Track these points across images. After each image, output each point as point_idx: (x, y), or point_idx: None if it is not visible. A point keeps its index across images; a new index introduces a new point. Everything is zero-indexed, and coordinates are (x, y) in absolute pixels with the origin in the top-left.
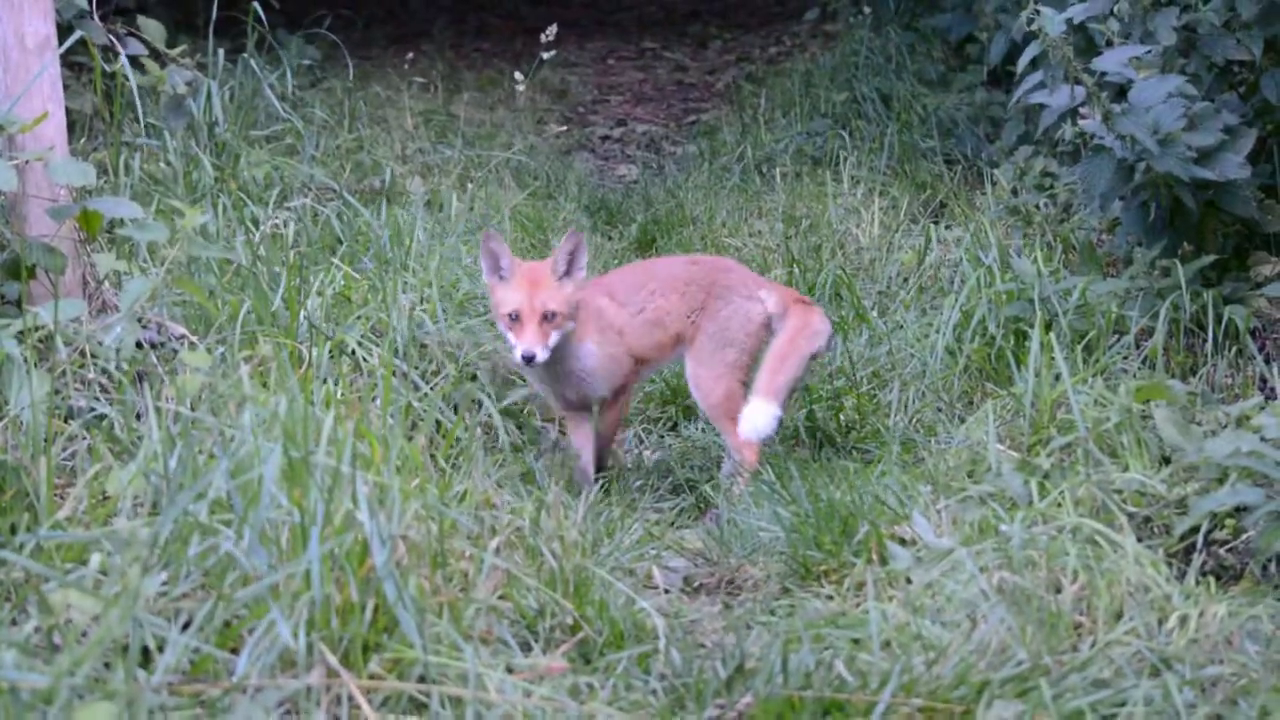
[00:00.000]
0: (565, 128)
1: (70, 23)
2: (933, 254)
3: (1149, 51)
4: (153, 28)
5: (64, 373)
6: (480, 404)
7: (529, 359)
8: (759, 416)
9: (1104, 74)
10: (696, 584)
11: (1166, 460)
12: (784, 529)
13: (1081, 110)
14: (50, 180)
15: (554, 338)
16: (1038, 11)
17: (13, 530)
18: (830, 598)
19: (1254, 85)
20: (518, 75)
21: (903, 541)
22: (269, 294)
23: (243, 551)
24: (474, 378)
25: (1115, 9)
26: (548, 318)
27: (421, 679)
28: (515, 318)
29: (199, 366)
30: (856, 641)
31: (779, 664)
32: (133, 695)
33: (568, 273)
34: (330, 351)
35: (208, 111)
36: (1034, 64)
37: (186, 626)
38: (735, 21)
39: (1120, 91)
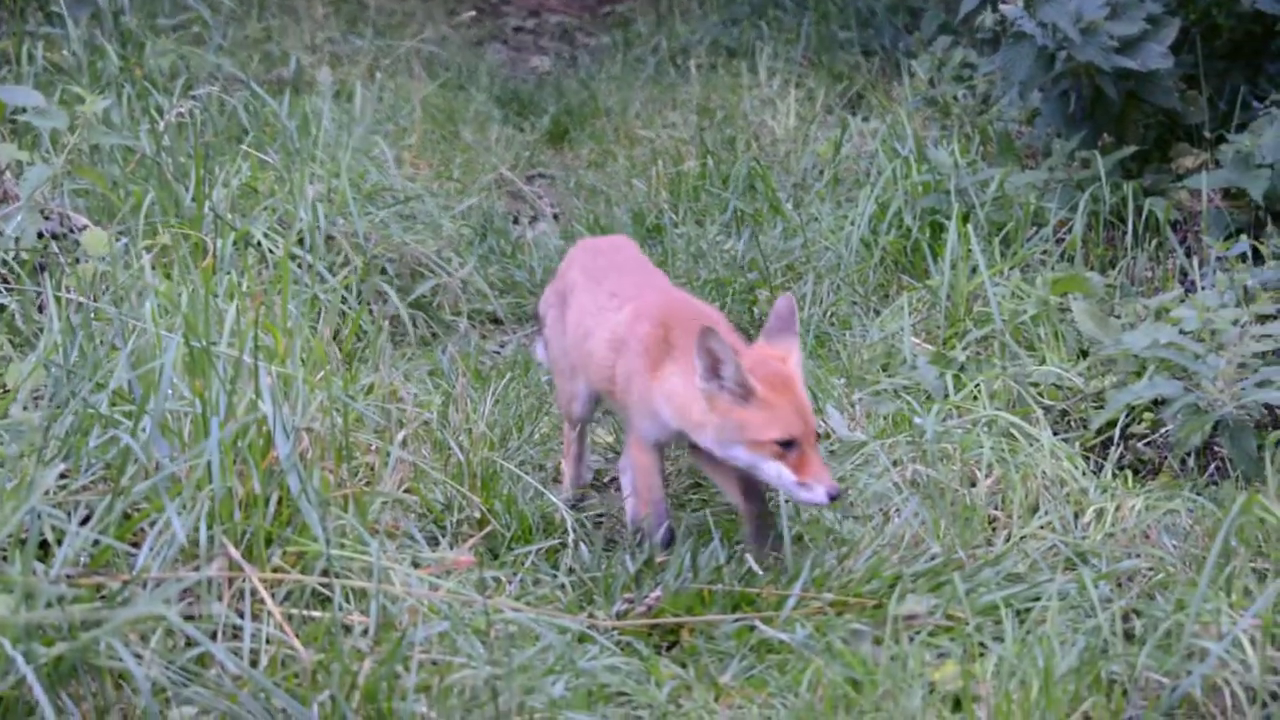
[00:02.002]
0: (474, 13)
1: None
2: (849, 146)
3: None
4: None
5: None
6: (387, 297)
7: (836, 497)
8: None
9: None
10: (607, 478)
11: (1084, 353)
12: None
13: None
14: None
15: None
16: None
17: None
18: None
19: None
20: None
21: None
22: (173, 184)
23: (143, 443)
24: (382, 270)
25: None
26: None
27: (325, 573)
28: (790, 445)
29: (100, 254)
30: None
31: (689, 558)
32: (31, 587)
33: None
34: (235, 243)
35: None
36: None
37: (86, 520)
38: None
39: None
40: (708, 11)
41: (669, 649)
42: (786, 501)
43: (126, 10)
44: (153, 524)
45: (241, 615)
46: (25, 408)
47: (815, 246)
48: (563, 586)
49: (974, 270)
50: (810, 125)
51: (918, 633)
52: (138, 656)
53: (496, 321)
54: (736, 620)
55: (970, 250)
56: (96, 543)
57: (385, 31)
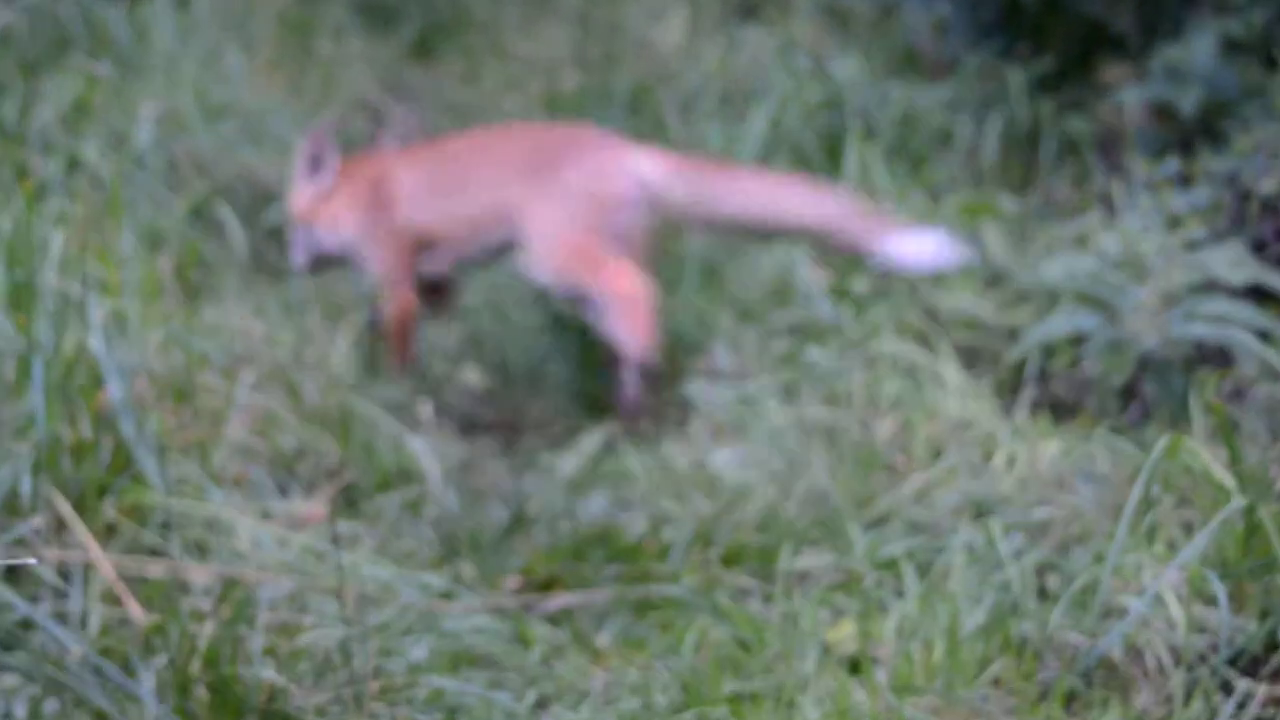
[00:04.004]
0: None
1: None
2: (740, 60)
3: None
4: None
5: None
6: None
7: None
8: None
9: None
10: (473, 423)
11: (996, 283)
12: (569, 362)
13: None
14: None
15: None
16: None
17: None
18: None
19: None
20: None
21: (702, 373)
22: None
23: None
24: (230, 195)
25: None
26: None
27: (164, 525)
28: None
29: None
30: (651, 484)
31: (562, 508)
32: None
33: None
34: (64, 165)
35: None
36: None
37: None
38: None
39: None
40: None
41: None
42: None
43: None
44: None
45: (69, 576)
46: None
47: None
48: (428, 541)
49: (877, 194)
50: (698, 37)
51: (812, 589)
52: None
53: None
54: (616, 578)
55: (872, 172)
56: None
57: None
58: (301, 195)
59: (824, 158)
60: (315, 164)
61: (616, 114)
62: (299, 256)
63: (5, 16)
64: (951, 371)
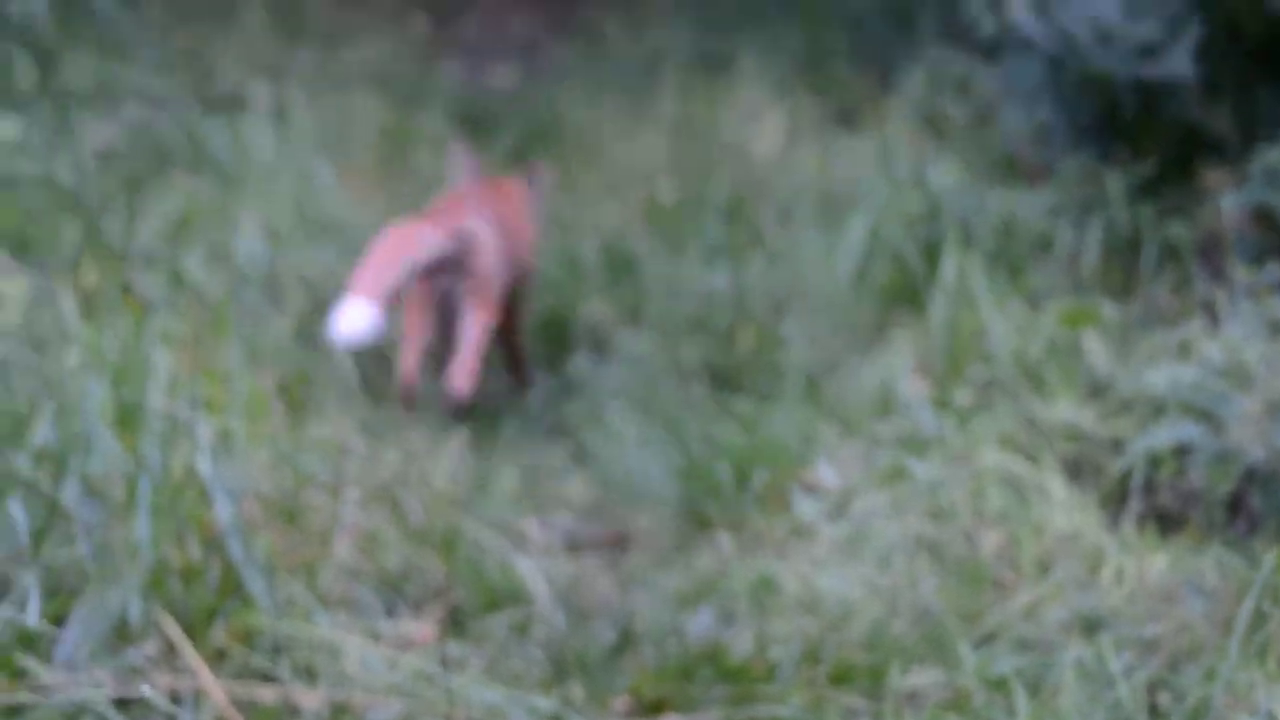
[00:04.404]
0: (429, 25)
1: None
2: (838, 167)
3: None
4: None
5: None
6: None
7: None
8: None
9: None
10: (579, 541)
11: (1099, 393)
12: (675, 476)
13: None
14: None
15: None
16: None
17: None
18: (728, 553)
19: None
20: None
21: (807, 488)
22: (96, 215)
23: (69, 507)
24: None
25: None
26: None
27: (274, 648)
28: None
29: (16, 297)
30: (757, 601)
31: (669, 625)
32: None
33: None
34: (168, 282)
35: (24, 9)
36: None
37: (4, 596)
38: None
39: None
40: (684, 18)
41: None
42: None
43: (40, 18)
44: (80, 599)
45: (180, 700)
46: None
47: (801, 279)
48: (535, 661)
49: (975, 303)
50: (795, 144)
51: (921, 708)
52: None
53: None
54: (724, 699)
55: (971, 281)
56: (11, 621)
57: (329, 44)
58: None
59: (923, 265)
60: None
61: (714, 222)
62: None
63: (107, 133)
64: (1056, 484)
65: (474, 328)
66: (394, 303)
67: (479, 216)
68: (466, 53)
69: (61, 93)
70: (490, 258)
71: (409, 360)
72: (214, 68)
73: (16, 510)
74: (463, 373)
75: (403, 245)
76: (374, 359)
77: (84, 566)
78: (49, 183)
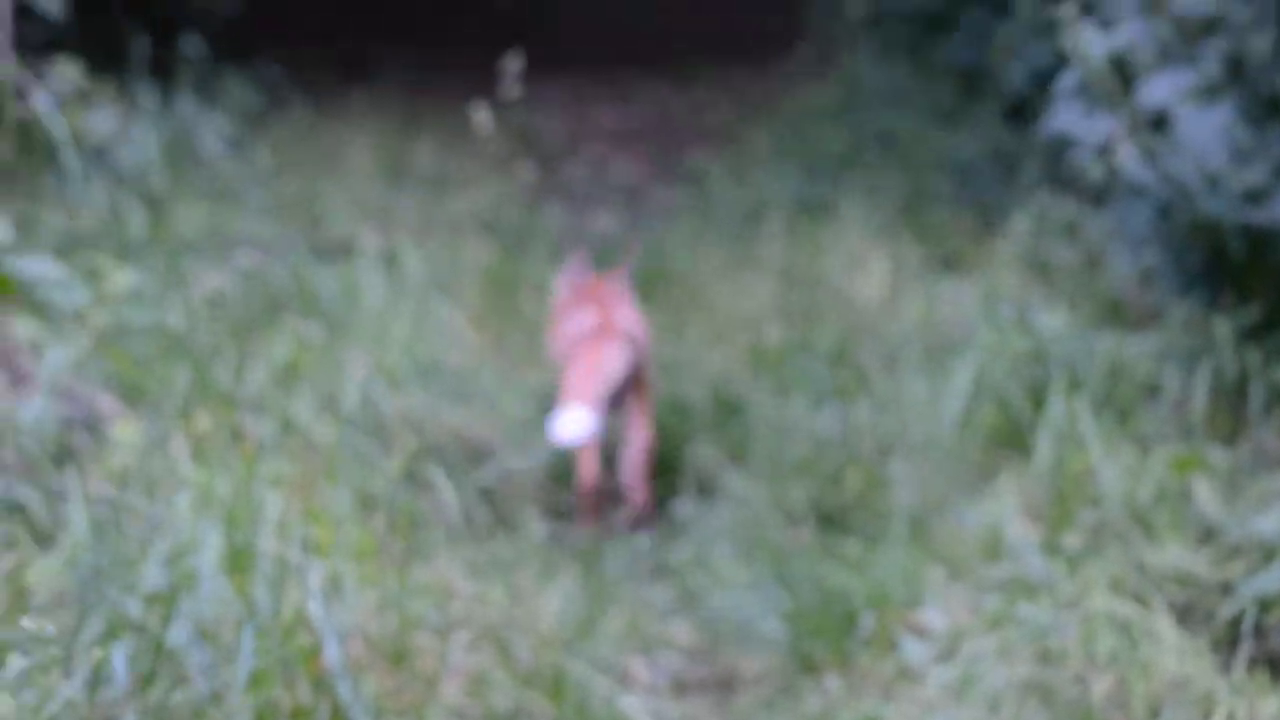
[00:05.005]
0: (534, 176)
1: None
2: (942, 311)
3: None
4: (71, 68)
5: None
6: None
7: None
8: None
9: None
10: (686, 682)
11: (1208, 538)
12: (782, 618)
13: (1112, 146)
14: None
15: None
16: (1078, 34)
17: None
18: (835, 695)
19: None
20: (481, 117)
21: (914, 631)
22: (207, 361)
23: (179, 649)
24: (438, 454)
25: (1158, 33)
26: None
27: None
28: None
29: (129, 442)
30: None
31: None
32: None
33: None
34: (278, 426)
35: (136, 159)
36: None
37: None
38: (724, 54)
39: (1154, 124)
40: (787, 163)
41: None
42: None
43: (153, 169)
44: None
45: None
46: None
47: (907, 422)
48: None
49: (1083, 447)
50: (900, 288)
51: None
52: None
53: (565, 511)
54: None
55: (1079, 425)
56: None
57: (435, 191)
58: None
59: (1028, 409)
60: None
61: (819, 365)
62: None
63: (217, 280)
64: (1166, 628)
65: (642, 431)
66: (606, 408)
67: (634, 323)
68: (570, 197)
69: (173, 240)
70: (651, 364)
71: (589, 466)
72: (322, 213)
73: (123, 653)
74: (640, 483)
75: (605, 355)
76: (480, 497)
77: (193, 708)
78: (160, 329)
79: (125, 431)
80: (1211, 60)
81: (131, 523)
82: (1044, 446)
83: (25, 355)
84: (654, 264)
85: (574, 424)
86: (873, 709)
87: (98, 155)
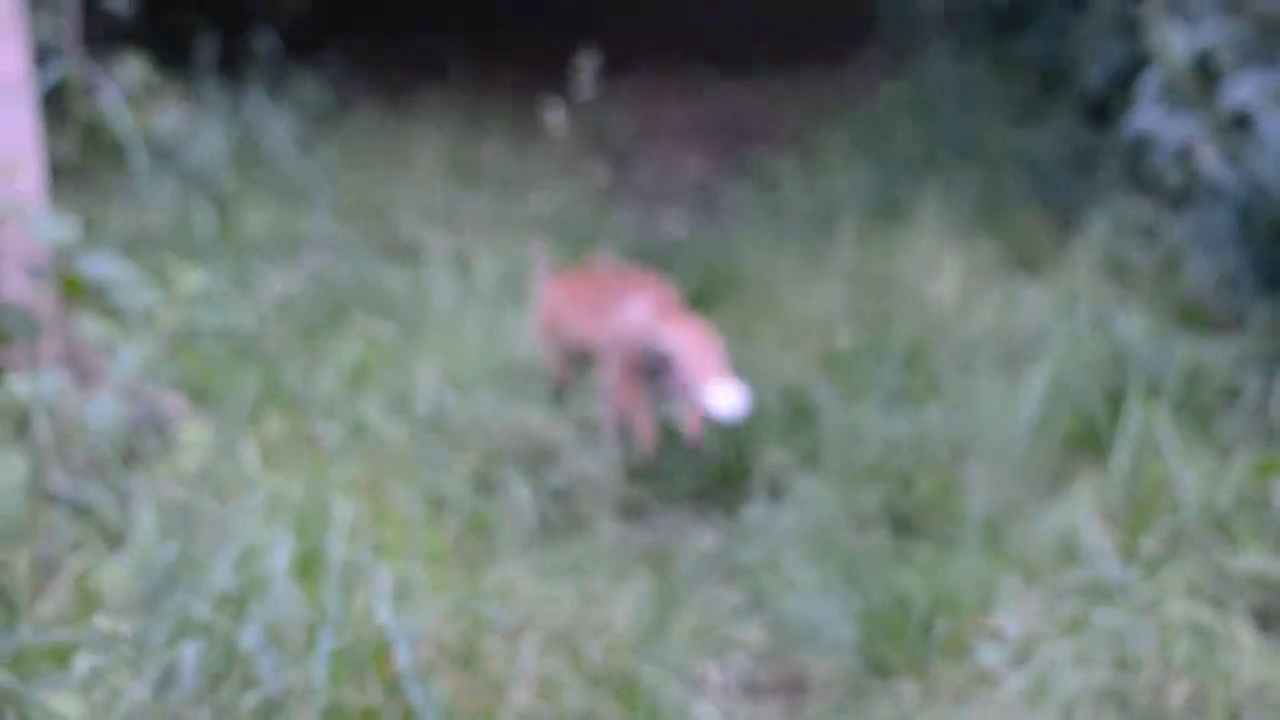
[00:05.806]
0: (605, 177)
1: (48, 60)
2: (1017, 314)
3: None
4: (139, 64)
5: (45, 453)
6: (515, 485)
7: None
8: None
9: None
10: (758, 685)
11: None
12: (853, 622)
13: (1193, 147)
14: (29, 236)
15: None
16: (1162, 33)
17: None
18: (908, 700)
19: None
20: (555, 117)
21: (989, 636)
22: (277, 363)
23: (249, 651)
24: (510, 456)
25: (1239, 33)
26: None
27: None
28: None
29: (199, 444)
30: None
31: None
32: None
33: None
34: (348, 429)
35: (204, 157)
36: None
37: None
38: (795, 51)
39: (1236, 125)
40: (861, 164)
41: None
42: None
43: (221, 168)
44: None
45: None
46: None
47: (982, 426)
48: None
49: (1161, 451)
50: (975, 290)
51: None
52: None
53: (638, 510)
54: None
55: (1157, 429)
56: None
57: (505, 192)
58: None
59: (1106, 413)
60: None
61: (892, 368)
62: None
63: (286, 282)
64: (1245, 633)
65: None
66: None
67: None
68: (640, 197)
69: (241, 240)
70: None
71: (647, 428)
72: (391, 214)
73: (192, 654)
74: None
75: (698, 328)
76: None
77: (263, 709)
78: (230, 331)
79: (194, 433)
80: None
81: (201, 525)
82: (1121, 452)
83: (95, 356)
84: (725, 265)
85: (731, 396)
86: (946, 714)
87: (165, 154)
